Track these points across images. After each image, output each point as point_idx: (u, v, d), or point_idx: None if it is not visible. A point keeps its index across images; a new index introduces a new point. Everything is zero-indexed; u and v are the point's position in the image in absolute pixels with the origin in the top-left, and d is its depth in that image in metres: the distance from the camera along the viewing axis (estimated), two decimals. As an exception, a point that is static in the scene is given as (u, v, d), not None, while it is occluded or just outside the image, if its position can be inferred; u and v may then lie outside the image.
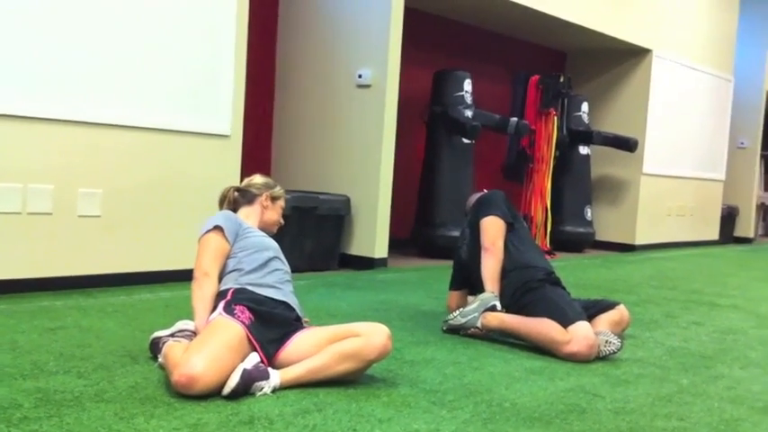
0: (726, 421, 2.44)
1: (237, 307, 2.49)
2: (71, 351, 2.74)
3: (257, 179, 3.01)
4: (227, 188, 3.01)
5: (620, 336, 3.30)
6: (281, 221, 3.02)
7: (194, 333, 2.58)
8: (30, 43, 3.69)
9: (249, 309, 2.51)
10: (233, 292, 2.59)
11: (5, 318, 3.23)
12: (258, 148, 5.92)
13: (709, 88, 9.57)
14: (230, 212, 2.87)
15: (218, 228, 2.71)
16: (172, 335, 2.64)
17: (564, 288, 3.48)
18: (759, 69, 10.63)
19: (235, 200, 2.96)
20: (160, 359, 2.54)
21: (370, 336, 2.48)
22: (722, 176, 10.09)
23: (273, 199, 2.97)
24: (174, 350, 2.45)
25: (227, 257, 2.71)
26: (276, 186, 3.01)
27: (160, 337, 2.65)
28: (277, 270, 2.76)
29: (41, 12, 3.71)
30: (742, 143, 10.78)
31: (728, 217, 10.41)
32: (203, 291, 2.61)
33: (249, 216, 2.90)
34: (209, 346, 2.33)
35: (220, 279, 2.68)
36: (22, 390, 2.26)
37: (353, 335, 2.48)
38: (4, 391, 2.23)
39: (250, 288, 2.62)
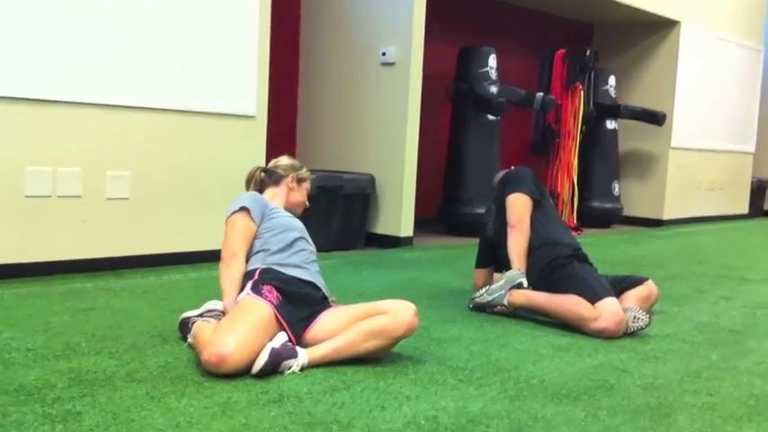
0: (756, 396, 2.42)
1: (265, 287, 2.52)
2: (102, 332, 2.78)
3: (284, 160, 3.02)
4: (253, 168, 3.02)
5: (649, 311, 3.27)
6: (307, 203, 3.03)
7: (223, 313, 2.61)
8: (59, 29, 3.72)
9: (277, 288, 2.53)
10: (260, 272, 2.61)
11: (38, 300, 3.28)
12: (283, 129, 5.92)
13: (738, 59, 9.40)
14: (256, 193, 2.89)
15: (244, 209, 2.73)
16: (201, 315, 2.67)
17: (591, 264, 3.47)
18: (790, 39, 10.41)
19: (261, 180, 2.97)
20: (189, 339, 2.57)
21: (397, 313, 2.49)
22: (752, 149, 9.92)
23: (299, 180, 2.98)
24: (203, 330, 2.48)
25: (254, 238, 2.73)
26: (302, 168, 3.02)
27: (189, 318, 2.68)
28: (303, 250, 2.77)
29: (66, -4, 3.74)
30: (772, 115, 10.58)
31: (758, 190, 10.25)
32: (231, 271, 2.64)
33: (275, 197, 2.92)
34: (239, 326, 2.35)
35: (247, 259, 2.70)
36: (56, 370, 2.30)
37: (380, 312, 2.50)
38: (37, 372, 2.28)
39: (277, 268, 2.64)
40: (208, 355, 2.28)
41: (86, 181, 3.87)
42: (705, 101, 8.82)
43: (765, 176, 10.47)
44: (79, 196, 3.86)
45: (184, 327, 2.68)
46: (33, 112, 3.68)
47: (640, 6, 7.69)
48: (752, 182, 10.01)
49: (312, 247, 2.85)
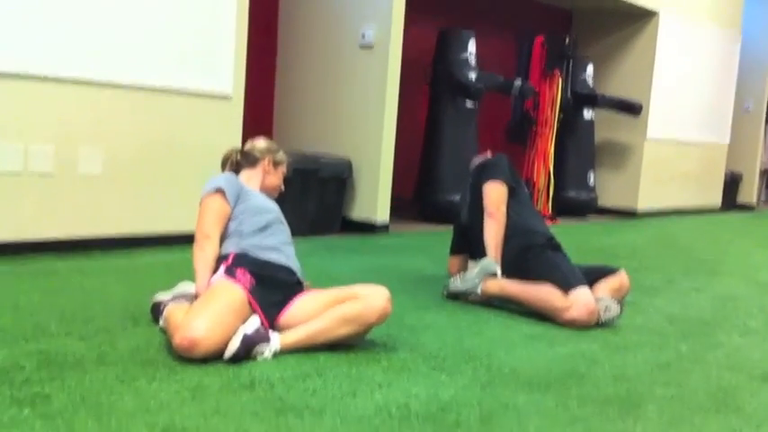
0: (724, 389, 2.45)
1: (239, 270, 2.50)
2: (72, 313, 2.75)
3: (260, 143, 2.99)
4: (229, 150, 2.99)
5: (620, 302, 3.30)
6: (282, 187, 3.01)
7: (195, 296, 2.59)
8: (30, 3, 3.64)
9: (250, 272, 2.51)
10: (234, 256, 2.59)
11: (7, 279, 3.24)
12: (260, 110, 5.88)
13: (715, 52, 9.43)
14: (231, 175, 2.86)
15: (219, 190, 2.70)
16: (173, 298, 2.65)
17: (564, 253, 3.48)
18: (766, 33, 10.48)
19: (237, 162, 2.94)
20: (161, 322, 2.55)
21: (370, 299, 2.49)
22: (726, 140, 10.01)
23: (276, 164, 2.96)
24: (175, 313, 2.46)
25: (228, 220, 2.71)
26: (279, 151, 2.99)
27: (161, 301, 2.66)
28: (278, 233, 2.75)
29: (40, -30, 3.67)
30: (747, 107, 10.68)
31: (731, 183, 10.34)
32: (205, 253, 2.62)
33: (251, 179, 2.89)
34: (211, 309, 2.34)
35: (221, 242, 2.68)
36: (24, 352, 2.27)
37: (354, 298, 2.49)
38: (5, 354, 2.25)
39: (251, 251, 2.63)
40: (179, 338, 2.27)
41: (58, 157, 3.81)
42: (681, 92, 8.87)
43: (738, 169, 10.58)
44: (51, 174, 3.80)
45: (156, 310, 2.66)
46: (3, 87, 3.61)
47: (619, -5, 7.70)
48: (725, 175, 10.09)
49: (287, 230, 2.83)
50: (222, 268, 2.53)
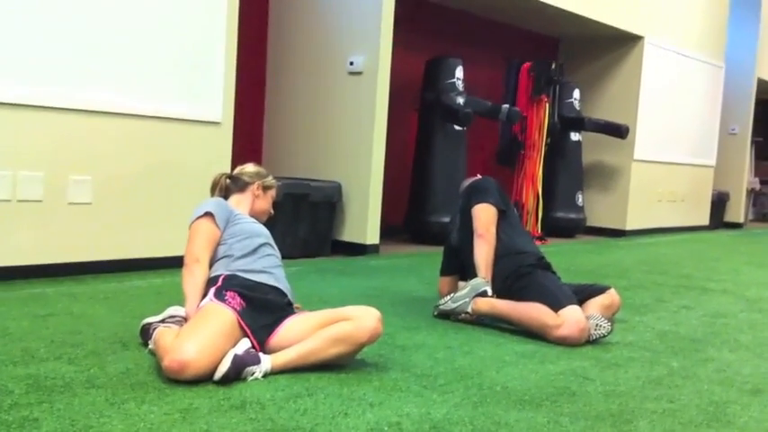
0: (715, 403, 2.45)
1: (228, 293, 2.50)
2: (62, 338, 2.73)
3: (249, 167, 3.00)
4: (218, 175, 3.01)
5: (611, 320, 3.31)
6: (271, 211, 3.02)
7: (185, 319, 2.59)
8: (19, 29, 3.66)
9: (240, 294, 2.51)
10: (224, 279, 2.59)
11: (-4, 305, 3.22)
12: (249, 136, 5.90)
13: (700, 75, 9.58)
14: (221, 199, 2.87)
15: (208, 214, 2.71)
16: (162, 321, 2.64)
17: (555, 273, 3.50)
18: (750, 56, 10.65)
19: (226, 187, 2.95)
20: (151, 345, 2.54)
21: (361, 319, 2.49)
22: (713, 162, 10.11)
23: (265, 188, 2.97)
24: (164, 336, 2.45)
25: (218, 244, 2.71)
26: (269, 176, 3.01)
27: (150, 324, 2.65)
28: (268, 255, 2.76)
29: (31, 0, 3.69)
30: (733, 129, 10.80)
31: (719, 202, 10.45)
32: (194, 277, 2.61)
33: (240, 203, 2.90)
34: (201, 332, 2.33)
35: (211, 265, 2.68)
36: (13, 376, 2.26)
37: (344, 318, 2.49)
38: (-6, 378, 2.23)
39: (241, 274, 2.63)
40: (169, 361, 2.26)
41: (48, 185, 3.81)
42: (667, 115, 8.97)
43: (725, 189, 10.67)
44: (41, 201, 3.80)
45: (146, 333, 2.64)
46: (-6, 114, 3.62)
47: (605, 21, 7.80)
48: (713, 194, 10.19)
49: (277, 253, 2.83)
50: (212, 291, 2.53)
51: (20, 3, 3.65)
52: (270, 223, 2.97)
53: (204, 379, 2.27)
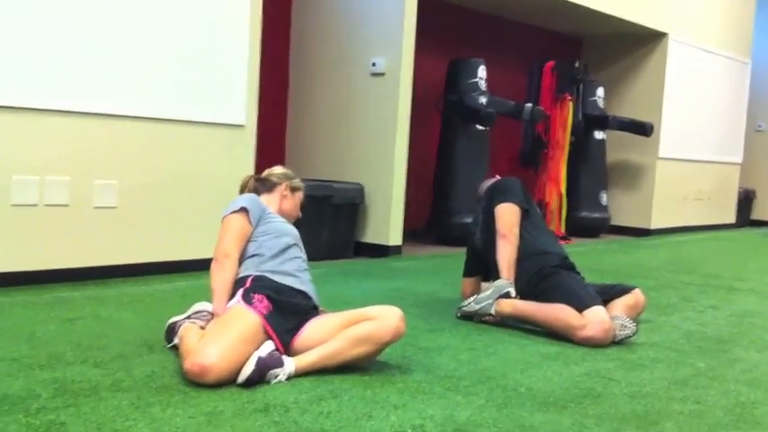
0: (742, 404, 2.43)
1: (256, 296, 2.50)
2: (88, 341, 2.76)
3: (278, 169, 3.02)
4: (246, 176, 3.03)
5: (636, 320, 3.29)
6: (299, 214, 3.02)
7: (211, 315, 2.60)
8: (46, 36, 3.71)
9: (268, 297, 2.51)
10: (252, 280, 2.60)
11: (24, 309, 3.26)
12: (272, 138, 5.92)
13: (725, 71, 9.47)
14: (255, 196, 2.87)
15: (243, 209, 2.72)
16: (188, 317, 2.66)
17: (578, 273, 3.48)
18: (776, 52, 10.50)
19: (255, 188, 2.96)
20: (176, 339, 2.56)
21: (383, 318, 2.49)
22: (739, 159, 9.99)
23: (293, 189, 2.98)
24: (189, 335, 2.47)
25: (248, 241, 2.72)
26: (296, 178, 3.02)
27: (176, 322, 2.67)
28: (296, 258, 2.76)
29: (58, 5, 3.73)
30: (760, 126, 10.66)
31: (745, 200, 10.32)
32: (224, 272, 2.62)
33: (269, 204, 2.91)
34: (225, 336, 2.34)
35: (240, 262, 2.69)
36: (40, 380, 2.28)
37: (366, 318, 2.49)
38: (21, 382, 2.26)
39: (269, 276, 2.63)
40: (190, 364, 2.27)
41: (74, 190, 3.85)
42: (692, 112, 8.88)
43: (752, 186, 10.54)
44: (67, 205, 3.84)
45: (171, 332, 2.67)
46: (20, 120, 3.66)
47: (629, 18, 7.74)
48: (739, 192, 10.07)
49: (304, 256, 2.84)
50: (240, 293, 2.54)
51: (45, 11, 3.69)
52: (294, 225, 2.97)
53: (227, 382, 2.28)
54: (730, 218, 9.91)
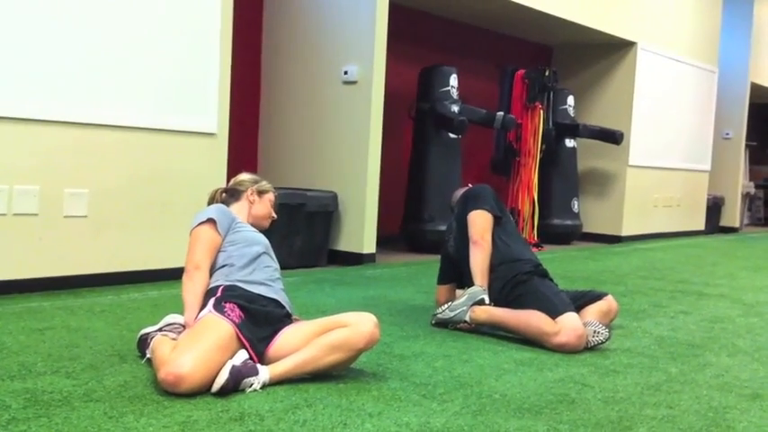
0: (714, 409, 2.45)
1: (227, 305, 2.49)
2: (59, 351, 2.72)
3: (242, 176, 3.01)
4: (214, 190, 3.01)
5: (609, 326, 3.31)
6: (274, 215, 3.01)
7: (183, 326, 2.58)
8: (15, 45, 3.66)
9: (239, 306, 2.50)
10: (223, 289, 2.58)
11: (-8, 320, 3.21)
12: (244, 146, 5.90)
13: (694, 80, 9.61)
14: (223, 206, 2.86)
15: (210, 220, 2.71)
16: (160, 329, 2.64)
17: (551, 280, 3.50)
18: (743, 61, 10.68)
19: (223, 200, 2.95)
20: (149, 354, 2.54)
21: (358, 325, 2.48)
22: (708, 167, 10.13)
23: (260, 193, 2.96)
24: (162, 346, 2.44)
25: (218, 251, 2.71)
26: (262, 181, 3.01)
27: (148, 333, 2.65)
28: (267, 267, 2.75)
29: (26, 13, 3.69)
30: (727, 134, 10.84)
31: (714, 207, 10.47)
32: (194, 284, 2.61)
33: (239, 213, 2.90)
34: (198, 345, 2.32)
35: (211, 273, 2.68)
36: (10, 391, 2.25)
37: (341, 325, 2.49)
38: (-9, 393, 2.22)
39: (240, 285, 2.62)
40: (164, 373, 2.25)
41: (44, 199, 3.80)
42: (662, 120, 8.99)
43: (721, 194, 10.69)
44: (36, 214, 3.79)
45: (143, 343, 2.64)
46: (-11, 128, 3.62)
47: (598, 28, 7.82)
48: (708, 199, 10.21)
49: (276, 264, 2.83)
50: (211, 302, 2.52)
51: (14, 19, 3.65)
52: (265, 233, 2.96)
53: (202, 391, 2.26)
54: (700, 224, 10.04)
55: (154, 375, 2.41)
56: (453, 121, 6.41)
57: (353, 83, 5.53)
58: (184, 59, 4.32)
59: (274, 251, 2.87)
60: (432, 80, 6.61)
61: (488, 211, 3.55)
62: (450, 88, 6.59)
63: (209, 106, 4.44)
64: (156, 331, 2.63)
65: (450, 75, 6.61)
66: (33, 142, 3.76)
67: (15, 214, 3.72)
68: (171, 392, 2.24)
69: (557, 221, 7.90)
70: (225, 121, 4.53)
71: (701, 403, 2.51)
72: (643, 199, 8.76)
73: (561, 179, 7.97)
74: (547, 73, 7.53)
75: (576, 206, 8.04)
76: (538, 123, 7.41)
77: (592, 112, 8.57)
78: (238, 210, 2.91)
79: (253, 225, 2.89)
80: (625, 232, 8.51)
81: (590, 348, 3.14)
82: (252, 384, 2.33)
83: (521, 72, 7.46)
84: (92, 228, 4.00)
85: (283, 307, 2.69)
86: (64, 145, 3.87)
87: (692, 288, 5.17)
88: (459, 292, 3.62)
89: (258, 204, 2.94)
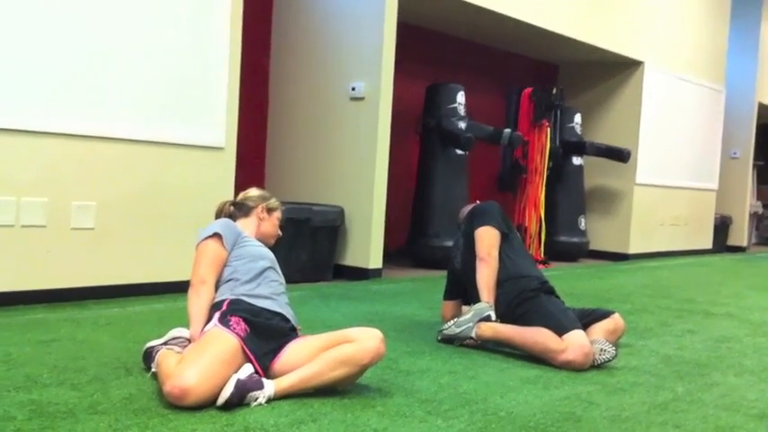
0: (721, 428, 2.44)
1: (233, 318, 2.49)
2: (65, 363, 2.73)
3: (253, 192, 3.01)
4: (222, 202, 3.02)
5: (615, 344, 3.30)
6: (279, 233, 3.02)
7: (188, 340, 2.58)
8: (20, 57, 3.69)
9: (245, 320, 2.50)
10: (228, 303, 2.59)
11: (-1, 331, 3.21)
12: (252, 161, 5.92)
13: (700, 99, 9.62)
14: (229, 220, 2.87)
15: (216, 235, 2.72)
16: (165, 343, 2.64)
17: (558, 297, 3.49)
18: (750, 80, 10.70)
19: (231, 214, 2.96)
20: (153, 368, 2.53)
21: (363, 340, 2.48)
22: (715, 186, 10.12)
23: (269, 210, 2.97)
24: (167, 359, 2.44)
25: (224, 266, 2.71)
26: (272, 198, 3.02)
27: (153, 347, 2.65)
28: (272, 281, 2.75)
29: (34, 27, 3.72)
30: (734, 153, 10.83)
31: (722, 226, 10.45)
32: (200, 298, 2.61)
33: (246, 228, 2.90)
34: (203, 359, 2.32)
35: (216, 287, 2.68)
36: (16, 402, 2.25)
37: (346, 340, 2.48)
38: (-3, 404, 2.22)
39: (246, 299, 2.62)
40: (170, 387, 2.25)
41: (51, 211, 3.82)
42: (669, 139, 8.99)
43: (728, 213, 10.68)
44: (44, 226, 3.80)
45: (148, 357, 2.64)
46: (-2, 140, 3.64)
47: (605, 47, 7.84)
48: (716, 218, 10.19)
49: (281, 279, 2.83)
50: (217, 316, 2.52)
51: (20, 31, 3.68)
52: (272, 247, 2.97)
53: (207, 405, 2.26)
54: (707, 243, 10.02)
55: (159, 388, 2.40)
56: (460, 137, 6.43)
57: (361, 99, 5.55)
58: (193, 74, 4.34)
59: (280, 265, 2.88)
60: (439, 97, 6.64)
61: (495, 228, 3.55)
62: (457, 105, 6.61)
63: (217, 120, 4.46)
64: (161, 345, 2.63)
65: (458, 92, 6.64)
66: (41, 155, 3.78)
67: (23, 226, 3.74)
68: (176, 405, 2.24)
69: (563, 238, 7.89)
70: (233, 135, 4.55)
71: (707, 423, 2.49)
72: (650, 217, 8.75)
73: (568, 196, 7.97)
74: (554, 91, 7.55)
75: (582, 223, 8.03)
76: (545, 141, 7.42)
77: (599, 130, 8.58)
78: (246, 225, 2.91)
79: (259, 240, 2.90)
80: (632, 250, 8.49)
81: (596, 366, 3.13)
82: (257, 398, 2.32)
83: (528, 90, 7.48)
84: (99, 240, 4.01)
85: (288, 321, 2.69)
86: (71, 158, 3.89)
87: (698, 307, 5.14)
88: (465, 308, 3.61)
89: (266, 222, 2.95)
